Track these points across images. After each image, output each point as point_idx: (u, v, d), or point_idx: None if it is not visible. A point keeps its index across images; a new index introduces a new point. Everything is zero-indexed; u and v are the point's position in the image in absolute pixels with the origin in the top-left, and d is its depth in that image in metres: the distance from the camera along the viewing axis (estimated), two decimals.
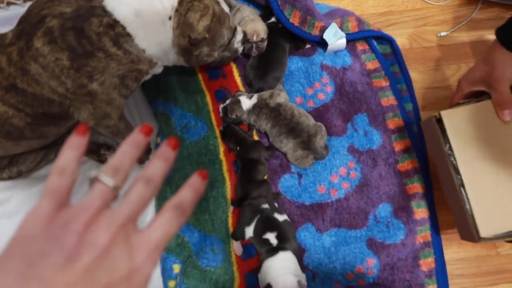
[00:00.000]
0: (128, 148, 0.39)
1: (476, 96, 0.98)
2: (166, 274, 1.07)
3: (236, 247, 1.09)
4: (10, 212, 1.14)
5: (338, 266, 1.08)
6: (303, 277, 1.00)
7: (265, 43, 1.22)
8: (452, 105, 1.02)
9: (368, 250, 1.08)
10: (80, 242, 0.33)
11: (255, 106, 1.17)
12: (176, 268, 1.08)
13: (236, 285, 1.08)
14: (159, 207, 1.13)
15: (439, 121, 0.95)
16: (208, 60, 1.02)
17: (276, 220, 1.05)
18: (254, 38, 1.20)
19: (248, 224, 1.05)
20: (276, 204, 1.11)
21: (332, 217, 1.12)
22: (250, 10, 1.29)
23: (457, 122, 0.94)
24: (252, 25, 1.21)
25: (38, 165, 1.13)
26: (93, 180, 0.37)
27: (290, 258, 1.01)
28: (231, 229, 1.12)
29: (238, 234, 1.07)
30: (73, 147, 0.37)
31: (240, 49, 1.12)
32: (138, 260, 0.34)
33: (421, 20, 1.37)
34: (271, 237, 1.03)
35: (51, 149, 1.13)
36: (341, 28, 1.22)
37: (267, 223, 1.04)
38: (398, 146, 1.17)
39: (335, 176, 1.15)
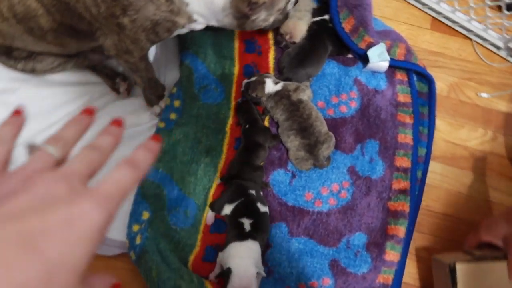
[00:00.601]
0: (72, 124, 0.40)
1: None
2: (134, 217, 1.07)
3: (210, 216, 1.10)
4: (10, 102, 1.14)
5: (295, 273, 1.08)
6: (262, 270, 1.01)
7: (295, 44, 1.21)
8: (465, 250, 1.03)
9: (328, 270, 1.09)
10: (13, 191, 0.32)
11: (277, 93, 1.15)
12: (145, 215, 1.09)
13: (194, 253, 1.08)
14: None
15: (452, 271, 0.96)
16: (263, 25, 0.98)
17: (257, 209, 1.05)
18: (287, 37, 1.19)
19: (230, 202, 1.05)
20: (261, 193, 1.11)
21: (308, 226, 1.12)
22: (308, 1, 1.25)
23: (469, 278, 0.95)
24: (292, 23, 1.19)
25: (54, 69, 1.13)
26: (33, 148, 0.37)
27: (256, 249, 1.01)
28: (210, 199, 1.12)
29: (216, 207, 1.08)
30: (11, 124, 0.40)
31: (291, 11, 1.10)
32: (84, 206, 0.32)
33: (468, 73, 1.34)
34: (246, 223, 1.03)
35: (71, 59, 1.12)
36: (388, 51, 1.19)
37: (248, 209, 1.04)
38: (396, 185, 1.16)
39: (326, 189, 1.15)
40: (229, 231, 1.06)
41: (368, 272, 1.08)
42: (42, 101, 1.16)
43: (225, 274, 0.95)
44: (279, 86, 1.16)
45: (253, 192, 1.07)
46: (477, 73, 1.34)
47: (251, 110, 1.16)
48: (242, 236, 1.01)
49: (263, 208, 1.07)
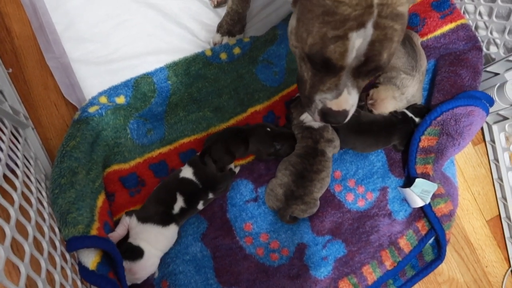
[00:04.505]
0: None
1: None
2: (93, 100, 1.01)
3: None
4: None
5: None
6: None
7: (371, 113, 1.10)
8: None
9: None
10: None
11: (309, 129, 1.03)
12: (121, 99, 1.02)
13: (120, 166, 1.00)
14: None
15: None
16: None
17: (198, 203, 0.97)
18: (369, 101, 1.07)
19: (196, 172, 0.97)
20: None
21: (224, 250, 1.01)
22: (418, 90, 1.13)
23: None
24: (385, 96, 1.08)
25: None
26: None
27: (173, 236, 0.93)
28: (177, 144, 1.03)
29: (208, 141, 1.01)
30: None
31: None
32: None
33: None
34: (178, 204, 0.93)
35: None
36: (433, 196, 1.05)
37: (193, 196, 0.95)
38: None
39: (265, 235, 1.02)
40: (156, 200, 0.94)
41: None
42: None
43: (135, 252, 0.87)
44: (317, 124, 1.03)
45: (213, 193, 0.98)
46: None
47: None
48: (167, 218, 0.91)
49: (200, 206, 0.98)
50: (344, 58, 0.62)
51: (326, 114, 0.73)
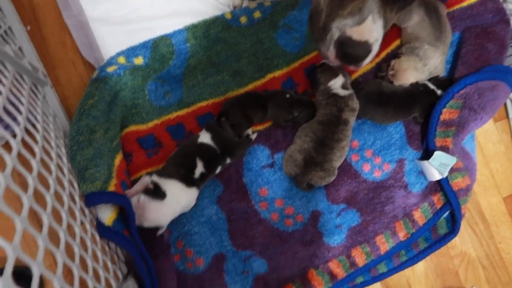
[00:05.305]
0: None
1: None
2: (111, 60, 0.99)
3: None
4: None
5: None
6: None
7: (392, 84, 1.09)
8: None
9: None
10: None
11: (335, 96, 1.02)
12: (139, 60, 1.00)
13: (137, 127, 1.00)
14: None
15: None
16: None
17: (216, 167, 0.96)
18: (390, 72, 1.05)
19: (214, 137, 0.96)
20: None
21: (236, 218, 1.01)
22: (441, 62, 1.11)
23: None
24: (407, 66, 1.06)
25: None
26: None
27: (194, 198, 0.94)
28: (195, 107, 1.02)
29: (225, 105, 1.00)
30: None
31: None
32: None
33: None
34: (199, 169, 0.93)
35: None
36: (451, 170, 1.03)
37: (212, 160, 0.95)
38: (336, 269, 1.03)
39: (280, 201, 1.02)
40: (177, 162, 0.94)
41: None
42: None
43: (158, 192, 0.87)
44: (343, 92, 1.02)
45: (230, 158, 0.97)
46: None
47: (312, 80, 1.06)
48: (190, 181, 0.91)
49: (218, 170, 0.98)
50: None
51: (344, 44, 0.58)
